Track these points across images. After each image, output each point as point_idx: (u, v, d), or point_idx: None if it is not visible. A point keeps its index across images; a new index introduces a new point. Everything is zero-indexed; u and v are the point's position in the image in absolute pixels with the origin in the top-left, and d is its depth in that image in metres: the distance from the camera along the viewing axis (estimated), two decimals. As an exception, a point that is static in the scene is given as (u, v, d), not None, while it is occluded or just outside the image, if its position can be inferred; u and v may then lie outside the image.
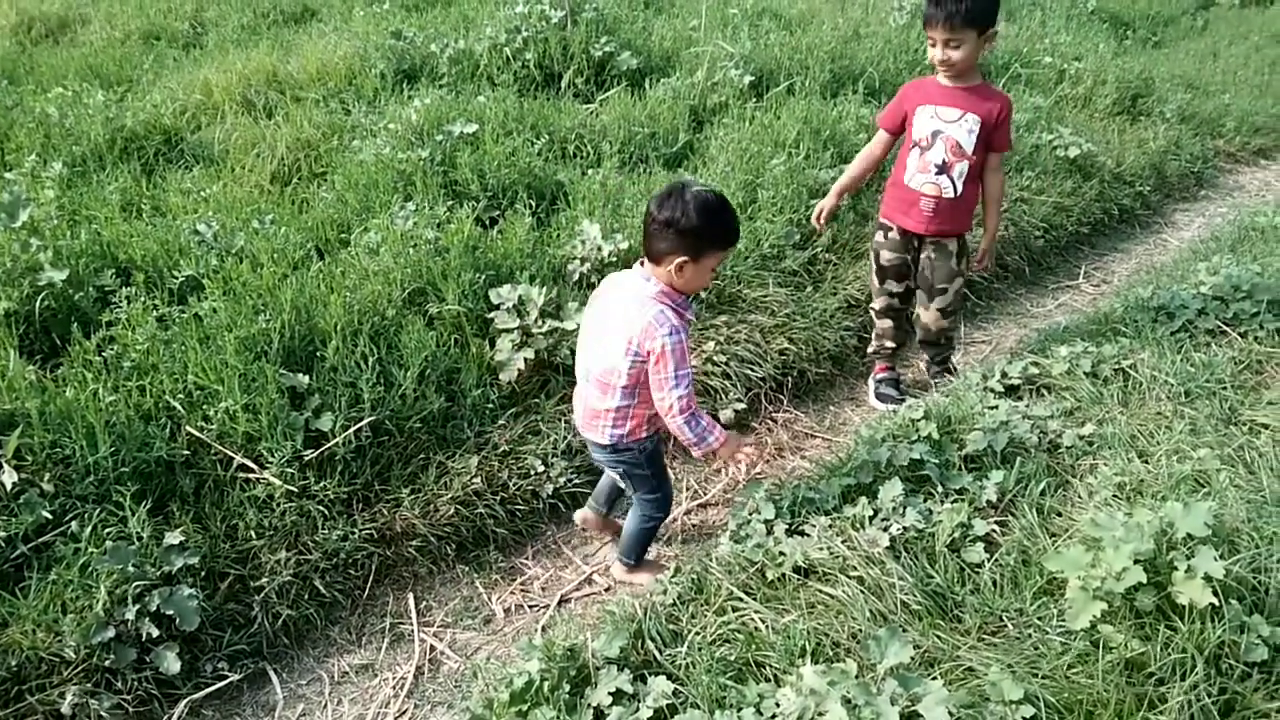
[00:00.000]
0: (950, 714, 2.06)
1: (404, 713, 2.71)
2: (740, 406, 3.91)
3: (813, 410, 4.14)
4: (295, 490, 3.05)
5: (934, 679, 2.24)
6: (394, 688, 2.80)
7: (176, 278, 3.57)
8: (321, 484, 3.09)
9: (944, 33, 3.48)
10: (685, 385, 2.66)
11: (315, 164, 5.09)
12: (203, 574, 2.84)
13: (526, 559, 3.29)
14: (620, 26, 6.92)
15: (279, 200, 4.68)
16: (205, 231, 3.92)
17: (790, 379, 4.19)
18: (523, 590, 3.16)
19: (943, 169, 3.67)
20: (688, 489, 3.61)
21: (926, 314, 3.96)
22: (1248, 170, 7.84)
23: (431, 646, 2.94)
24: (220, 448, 3.08)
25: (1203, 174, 7.40)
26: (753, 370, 4.06)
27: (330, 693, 2.79)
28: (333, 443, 3.14)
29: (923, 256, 3.89)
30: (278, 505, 3.03)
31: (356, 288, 3.69)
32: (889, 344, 4.17)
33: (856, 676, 2.15)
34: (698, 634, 2.51)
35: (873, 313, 4.18)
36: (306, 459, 3.12)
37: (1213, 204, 7.02)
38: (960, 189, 3.68)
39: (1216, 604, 2.24)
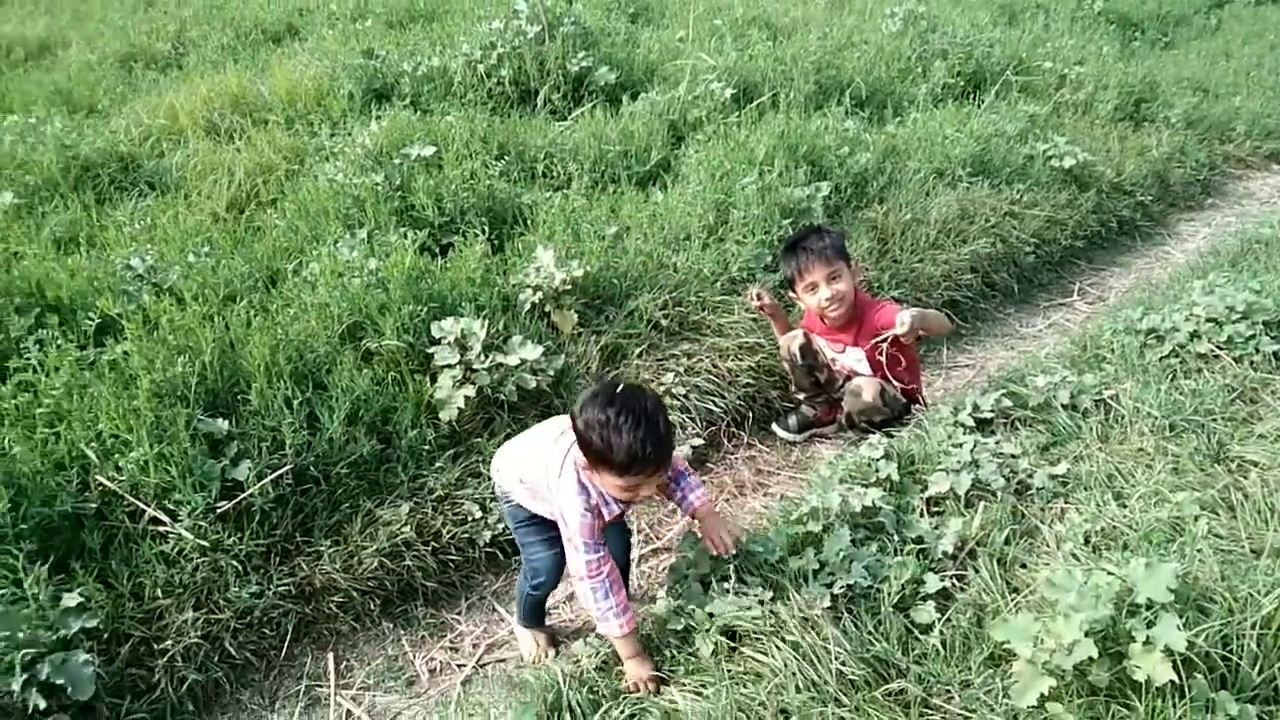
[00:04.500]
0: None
1: (308, 789, 2.53)
2: (698, 442, 3.70)
3: (777, 444, 3.91)
4: (207, 544, 2.87)
5: (860, 767, 2.03)
6: (303, 760, 2.61)
7: (92, 320, 3.38)
8: (236, 537, 2.92)
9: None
10: (593, 551, 2.39)
11: (273, 189, 4.93)
12: (105, 635, 2.67)
13: (458, 613, 3.09)
14: (601, 40, 6.75)
15: (232, 228, 4.53)
16: (138, 265, 3.76)
17: (754, 410, 3.97)
18: (451, 648, 2.96)
19: None
20: (640, 531, 3.40)
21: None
22: (1259, 175, 7.53)
23: (348, 712, 2.75)
24: (131, 499, 2.91)
25: (1209, 181, 7.10)
26: (714, 402, 3.85)
27: (235, 765, 2.60)
28: (247, 493, 2.96)
29: None
30: (188, 560, 2.85)
31: (289, 324, 3.52)
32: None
33: (769, 768, 1.94)
34: (610, 710, 2.31)
35: None
36: (222, 510, 2.94)
37: (1220, 213, 6.72)
38: None
39: (1178, 680, 2.01)
